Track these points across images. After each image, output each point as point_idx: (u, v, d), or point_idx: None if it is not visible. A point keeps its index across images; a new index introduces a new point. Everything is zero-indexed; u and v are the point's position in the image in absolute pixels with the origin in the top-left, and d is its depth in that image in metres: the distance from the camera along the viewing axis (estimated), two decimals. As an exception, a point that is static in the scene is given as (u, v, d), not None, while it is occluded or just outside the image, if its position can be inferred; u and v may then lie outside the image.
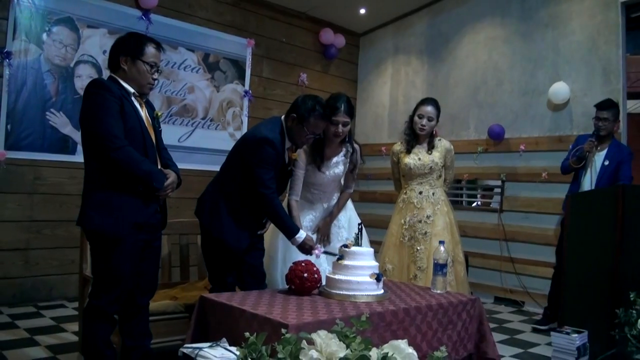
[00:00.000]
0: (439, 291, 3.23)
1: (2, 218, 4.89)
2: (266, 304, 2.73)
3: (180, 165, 3.17)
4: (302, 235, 3.24)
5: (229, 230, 3.26)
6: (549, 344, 4.14)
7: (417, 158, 4.35)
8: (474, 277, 5.91)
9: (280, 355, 1.50)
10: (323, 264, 3.59)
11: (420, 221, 4.31)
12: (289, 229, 3.24)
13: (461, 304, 3.11)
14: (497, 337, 4.34)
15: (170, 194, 2.99)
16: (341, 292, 2.93)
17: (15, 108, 4.95)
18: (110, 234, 2.78)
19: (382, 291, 3.01)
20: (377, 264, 3.05)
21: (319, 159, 3.64)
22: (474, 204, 6.59)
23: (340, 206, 3.82)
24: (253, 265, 3.40)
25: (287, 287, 3.08)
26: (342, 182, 3.85)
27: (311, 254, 3.27)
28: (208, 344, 2.46)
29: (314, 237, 3.61)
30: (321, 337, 1.52)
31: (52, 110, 5.14)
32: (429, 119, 4.30)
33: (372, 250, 3.10)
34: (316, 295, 3.01)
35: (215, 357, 2.32)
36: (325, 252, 3.38)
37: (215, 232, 3.27)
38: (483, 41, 6.44)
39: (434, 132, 4.44)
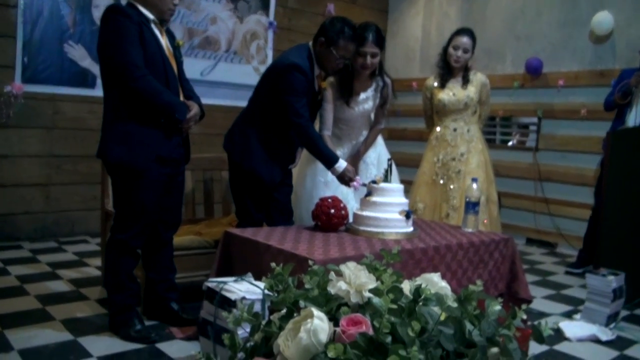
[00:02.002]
0: (470, 230, 3.23)
1: (22, 153, 4.95)
2: (292, 240, 2.76)
3: (203, 101, 3.14)
4: (342, 164, 3.19)
5: (261, 163, 3.27)
6: (583, 286, 4.14)
7: (451, 93, 4.28)
8: (506, 217, 5.88)
9: (307, 286, 1.51)
10: (350, 201, 3.60)
11: (453, 159, 4.29)
12: (328, 158, 3.20)
13: (493, 243, 3.11)
14: (529, 278, 4.35)
15: (193, 127, 2.99)
16: (369, 229, 2.94)
17: (32, 39, 4.91)
18: (133, 167, 2.80)
19: (411, 229, 3.01)
20: (406, 200, 3.05)
21: (347, 93, 3.59)
22: (509, 143, 6.51)
23: (369, 143, 3.80)
24: (281, 201, 3.42)
25: (313, 223, 3.10)
26: (372, 117, 3.81)
27: (350, 186, 3.25)
28: (233, 278, 2.50)
29: None
30: (350, 268, 1.52)
31: (70, 42, 5.10)
32: (464, 51, 4.20)
33: (401, 186, 3.09)
34: (343, 232, 3.03)
35: (240, 290, 2.35)
36: (364, 185, 3.38)
37: (246, 165, 3.27)
38: (523, -32, 6.21)
39: (469, 66, 4.34)
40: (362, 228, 2.97)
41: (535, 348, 3.02)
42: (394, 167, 3.43)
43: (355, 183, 3.21)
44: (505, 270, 3.20)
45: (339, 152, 3.70)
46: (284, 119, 3.20)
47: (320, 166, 3.39)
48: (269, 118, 3.26)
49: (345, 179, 3.22)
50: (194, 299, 3.32)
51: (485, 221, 4.21)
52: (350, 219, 3.12)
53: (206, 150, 5.15)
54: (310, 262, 1.64)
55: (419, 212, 4.31)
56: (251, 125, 3.30)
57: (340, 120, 3.68)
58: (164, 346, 2.85)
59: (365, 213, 2.98)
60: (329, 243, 2.73)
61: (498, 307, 1.41)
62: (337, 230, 3.03)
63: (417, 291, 1.35)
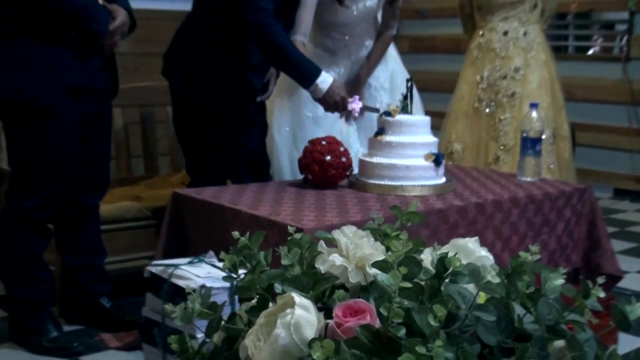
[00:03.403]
0: (529, 179, 3.26)
1: None
2: (270, 202, 2.77)
3: (135, 4, 3.14)
4: (326, 79, 3.17)
5: (214, 93, 3.31)
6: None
7: (499, -22, 4.30)
8: (584, 160, 5.90)
9: (284, 262, 1.52)
10: (354, 143, 3.61)
11: (504, 77, 4.30)
12: (304, 71, 3.18)
13: (563, 197, 3.13)
14: (618, 245, 4.37)
15: (121, 43, 2.99)
16: (382, 182, 2.96)
17: None
18: (33, 103, 2.81)
19: (443, 179, 3.03)
20: (435, 139, 3.06)
21: (339, -16, 3.58)
22: (589, 51, 6.49)
23: (376, 58, 3.78)
24: (251, 148, 3.45)
25: (301, 177, 3.12)
26: (379, 20, 3.79)
27: (342, 112, 3.25)
28: (187, 260, 2.52)
29: None
30: (347, 235, 1.52)
31: None
32: None
33: (427, 119, 3.09)
34: (345, 188, 3.05)
35: (199, 277, 2.38)
36: (366, 108, 3.37)
37: (195, 96, 3.31)
38: None
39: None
40: (371, 181, 2.98)
41: (628, 341, 3.05)
42: (415, 91, 3.42)
43: (352, 105, 3.19)
44: (582, 235, 3.24)
45: (331, 73, 3.66)
46: (243, 24, 3.20)
47: (306, 95, 3.39)
48: (224, 28, 3.28)
49: (334, 100, 3.18)
50: (132, 291, 3.33)
51: (551, 166, 4.23)
52: (355, 169, 3.14)
53: (144, 78, 5.12)
54: (290, 229, 1.64)
55: (455, 155, 4.34)
56: (199, 42, 3.32)
57: (332, 25, 3.66)
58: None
59: (375, 159, 2.99)
60: (324, 205, 2.74)
61: (560, 281, 1.42)
62: (336, 186, 3.04)
63: (442, 262, 1.36)
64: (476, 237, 1.60)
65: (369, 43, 3.78)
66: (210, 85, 3.31)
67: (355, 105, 3.19)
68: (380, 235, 1.60)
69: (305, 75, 3.18)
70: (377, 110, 3.21)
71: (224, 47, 3.31)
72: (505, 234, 2.92)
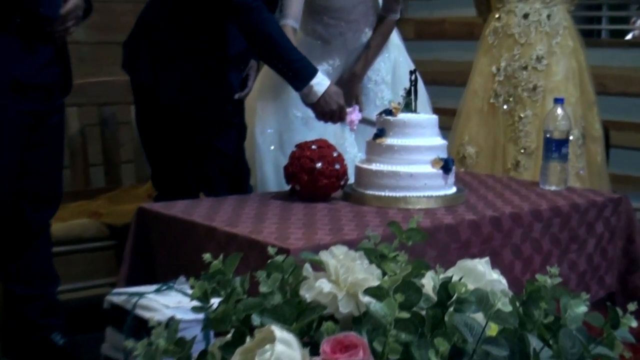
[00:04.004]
0: (553, 187, 3.27)
1: None
2: (251, 218, 2.78)
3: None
4: (322, 82, 3.20)
5: (185, 90, 3.32)
6: None
7: (516, -49, 4.32)
8: (620, 164, 5.88)
9: (263, 289, 1.53)
10: (350, 148, 3.64)
11: (525, 67, 4.31)
12: (298, 69, 3.20)
13: (594, 209, 3.13)
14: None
15: (74, 30, 2.99)
16: (382, 194, 2.97)
17: None
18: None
19: (453, 189, 3.04)
20: (444, 142, 3.07)
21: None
22: (627, 37, 6.50)
23: (377, 45, 3.80)
24: (227, 154, 3.49)
25: (287, 188, 3.14)
26: (380, 2, 3.82)
27: (335, 122, 3.28)
28: (154, 287, 2.52)
29: None
30: (337, 257, 1.53)
31: None
32: None
33: (435, 118, 3.11)
34: (339, 200, 3.06)
35: (167, 307, 2.37)
36: (364, 120, 3.38)
37: (162, 94, 3.31)
38: None
39: None
40: (370, 192, 3.00)
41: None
42: (421, 85, 3.44)
43: (352, 117, 3.23)
44: (617, 254, 3.24)
45: (325, 65, 3.72)
46: (219, 9, 3.22)
47: (294, 92, 3.40)
48: (198, 8, 3.29)
49: (331, 108, 3.22)
50: (90, 325, 3.31)
51: (580, 172, 4.23)
52: (351, 178, 3.15)
53: (103, 71, 5.12)
54: (270, 250, 1.65)
55: (467, 161, 4.34)
56: (167, 23, 3.32)
57: (326, 9, 3.69)
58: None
59: (374, 166, 3.00)
60: (314, 221, 2.75)
61: (583, 308, 1.43)
62: (329, 199, 3.06)
63: (445, 288, 1.37)
64: (487, 258, 1.60)
65: (368, 30, 3.80)
66: (181, 81, 3.31)
67: (354, 117, 3.22)
68: (376, 257, 1.60)
69: (299, 74, 3.20)
70: (374, 124, 3.18)
71: (197, 35, 3.32)
72: (525, 254, 2.92)
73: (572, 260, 3.07)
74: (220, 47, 3.34)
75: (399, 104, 3.08)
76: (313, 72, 3.19)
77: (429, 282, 1.48)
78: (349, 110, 3.24)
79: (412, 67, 3.61)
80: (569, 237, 3.05)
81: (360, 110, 3.38)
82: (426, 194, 2.96)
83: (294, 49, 3.22)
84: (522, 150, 4.27)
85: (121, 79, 3.84)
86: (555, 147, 3.25)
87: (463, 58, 5.19)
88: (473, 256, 2.81)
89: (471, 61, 4.57)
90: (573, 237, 3.07)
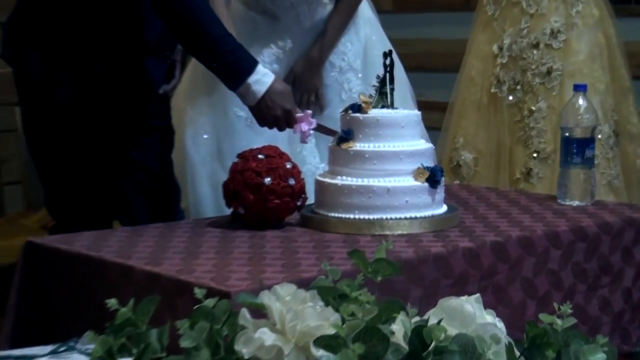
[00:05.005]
0: (576, 202, 3.28)
1: None
2: (181, 252, 2.77)
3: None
4: (264, 78, 3.22)
5: (90, 86, 3.32)
6: None
7: None
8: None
9: (185, 343, 1.53)
10: (310, 157, 3.69)
11: (536, 45, 4.34)
12: (233, 63, 3.22)
13: (633, 229, 3.13)
14: None
15: None
16: (351, 216, 2.97)
17: None
18: None
19: (443, 208, 3.06)
20: (430, 146, 3.08)
21: None
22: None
23: (340, 22, 3.82)
24: (147, 167, 3.48)
25: (228, 212, 3.14)
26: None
27: (282, 129, 3.31)
28: (49, 348, 2.51)
29: None
30: (283, 299, 1.54)
31: None
32: None
33: (417, 114, 3.11)
34: (295, 226, 3.08)
35: (65, 377, 2.37)
36: (322, 129, 3.39)
37: (59, 92, 3.31)
38: None
39: None
40: (335, 215, 3.00)
41: None
42: (401, 71, 3.44)
43: (302, 127, 3.26)
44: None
45: (272, 48, 3.76)
46: None
47: None
48: None
49: (271, 117, 3.25)
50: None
51: (614, 180, 4.22)
52: (310, 197, 3.17)
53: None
54: (198, 293, 1.66)
55: (463, 170, 4.38)
56: (59, 11, 3.31)
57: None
58: None
59: (340, 180, 3.00)
60: (262, 255, 2.74)
61: (600, 356, 1.44)
62: (282, 225, 3.07)
63: (419, 334, 1.37)
64: (477, 295, 1.62)
65: (329, 0, 3.83)
66: (83, 74, 3.32)
67: (305, 126, 3.23)
68: (334, 298, 1.60)
69: (232, 69, 3.22)
70: (334, 133, 3.17)
71: (103, 15, 3.32)
72: (541, 290, 2.90)
73: (603, 297, 3.05)
74: (134, 29, 3.34)
75: (370, 96, 3.09)
76: (250, 67, 3.21)
77: (400, 329, 1.49)
78: (299, 116, 3.25)
79: (389, 47, 3.63)
80: (598, 267, 3.04)
81: (322, 108, 3.39)
82: (408, 214, 2.95)
83: (226, 36, 3.23)
84: (535, 155, 4.28)
85: (1, 71, 3.84)
86: (577, 149, 3.24)
87: (455, 35, 5.23)
88: (470, 295, 2.84)
89: (466, 39, 4.60)
90: (604, 267, 3.06)
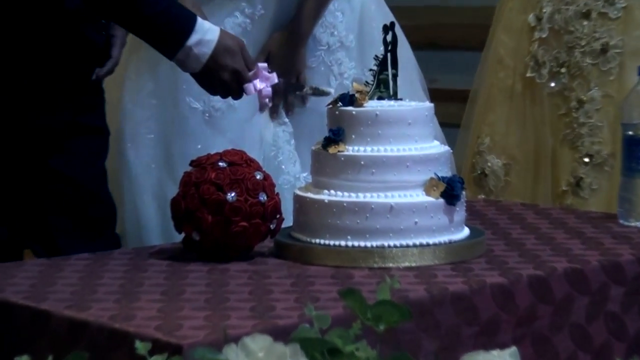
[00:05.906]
0: (642, 223, 3.28)
1: None
2: (116, 292, 2.76)
3: None
4: (207, 36, 3.22)
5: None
6: None
7: None
8: None
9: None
10: (287, 163, 3.66)
11: (586, 14, 4.36)
12: (165, 21, 3.21)
13: None
14: None
15: None
16: (342, 243, 2.96)
17: None
18: None
19: (465, 232, 3.05)
20: (446, 149, 3.08)
21: None
22: None
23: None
24: (71, 179, 3.45)
25: (179, 237, 3.12)
26: None
27: (236, 98, 3.29)
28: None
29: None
30: (255, 355, 1.54)
31: None
32: None
33: (429, 107, 3.10)
34: (267, 257, 3.08)
35: None
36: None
37: None
38: None
39: None
40: (320, 241, 2.99)
41: None
42: (407, 50, 3.45)
43: (256, 85, 3.22)
44: None
45: (237, 17, 3.76)
46: None
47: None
48: None
49: (218, 81, 3.24)
50: None
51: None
52: (288, 217, 3.16)
53: None
54: (140, 347, 1.62)
55: (490, 179, 4.38)
56: None
57: None
58: None
59: (327, 195, 2.99)
60: (225, 295, 2.73)
61: None
62: (251, 255, 3.07)
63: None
64: (513, 349, 1.59)
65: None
66: None
67: (262, 82, 3.20)
68: (322, 353, 1.60)
69: (164, 30, 3.22)
70: (325, 93, 3.17)
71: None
72: (597, 340, 2.90)
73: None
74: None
75: (366, 83, 3.07)
76: (189, 25, 3.21)
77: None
78: (252, 72, 3.25)
79: (391, 19, 3.61)
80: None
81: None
82: (418, 241, 2.94)
83: None
84: (586, 159, 4.27)
85: None
86: (640, 150, 3.24)
87: (478, 1, 5.23)
88: (503, 347, 2.82)
89: (492, 7, 4.58)
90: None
